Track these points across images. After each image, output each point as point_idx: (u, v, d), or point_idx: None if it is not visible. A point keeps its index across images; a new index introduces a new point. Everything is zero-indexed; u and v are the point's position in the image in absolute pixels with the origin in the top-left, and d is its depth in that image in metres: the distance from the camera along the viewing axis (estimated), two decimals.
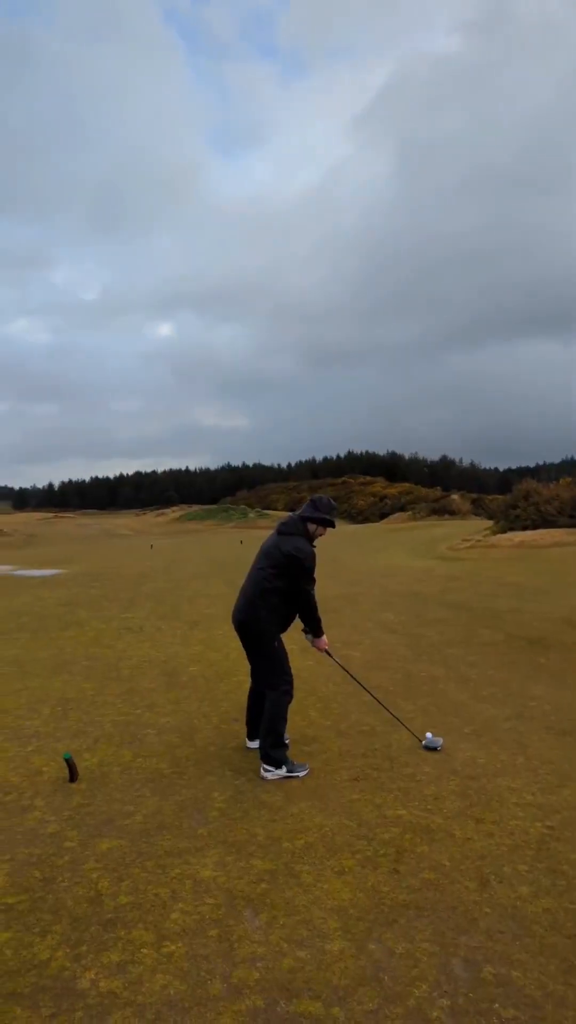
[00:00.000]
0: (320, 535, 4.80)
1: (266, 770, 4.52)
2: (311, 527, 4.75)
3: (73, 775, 4.43)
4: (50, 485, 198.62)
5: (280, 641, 4.69)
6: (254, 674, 4.92)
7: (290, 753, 4.80)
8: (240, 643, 4.87)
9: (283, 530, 4.77)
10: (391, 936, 2.87)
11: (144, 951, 2.80)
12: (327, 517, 4.75)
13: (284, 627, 4.76)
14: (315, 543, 4.78)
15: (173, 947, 2.82)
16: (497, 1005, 2.46)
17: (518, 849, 3.53)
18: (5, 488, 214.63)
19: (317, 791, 4.29)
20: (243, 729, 5.23)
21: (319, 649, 4.92)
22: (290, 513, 5.11)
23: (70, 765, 4.44)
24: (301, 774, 4.54)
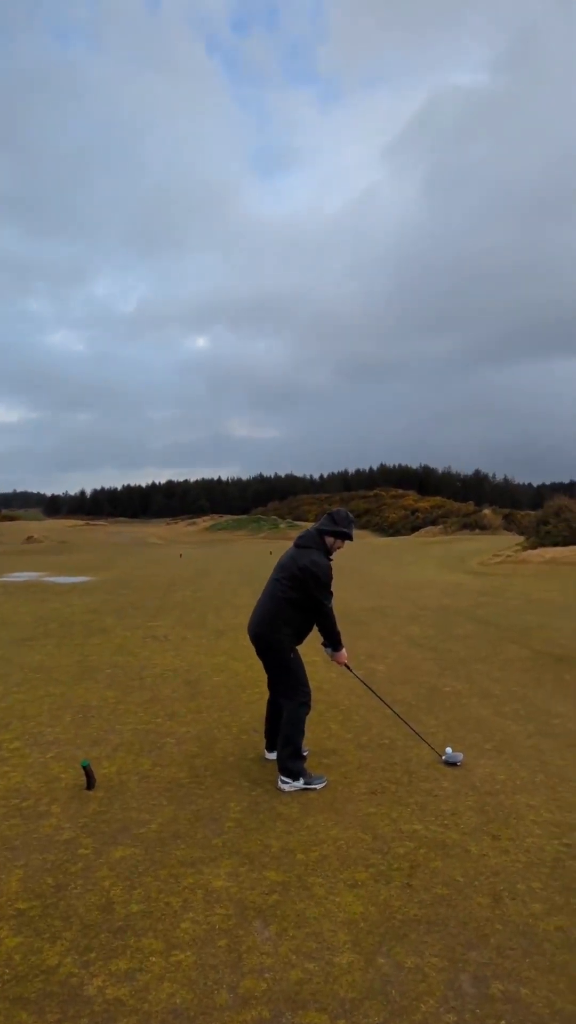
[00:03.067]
0: (338, 548, 4.80)
1: (283, 781, 4.52)
2: (329, 540, 4.75)
3: (90, 782, 4.47)
4: (82, 492, 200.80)
5: (296, 652, 4.70)
6: (271, 685, 4.92)
7: (308, 765, 4.80)
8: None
9: (300, 543, 4.78)
10: (401, 950, 2.84)
11: (152, 959, 2.81)
12: (345, 530, 4.75)
13: (300, 639, 4.76)
14: (332, 556, 4.78)
15: (182, 956, 2.83)
16: (504, 1022, 2.42)
17: (533, 867, 3.48)
18: (37, 494, 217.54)
19: (334, 804, 4.27)
20: (262, 740, 5.23)
21: (338, 663, 4.90)
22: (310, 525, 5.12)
23: (87, 772, 4.48)
24: (318, 786, 4.53)
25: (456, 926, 3.00)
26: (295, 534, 4.93)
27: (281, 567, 4.77)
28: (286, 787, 4.50)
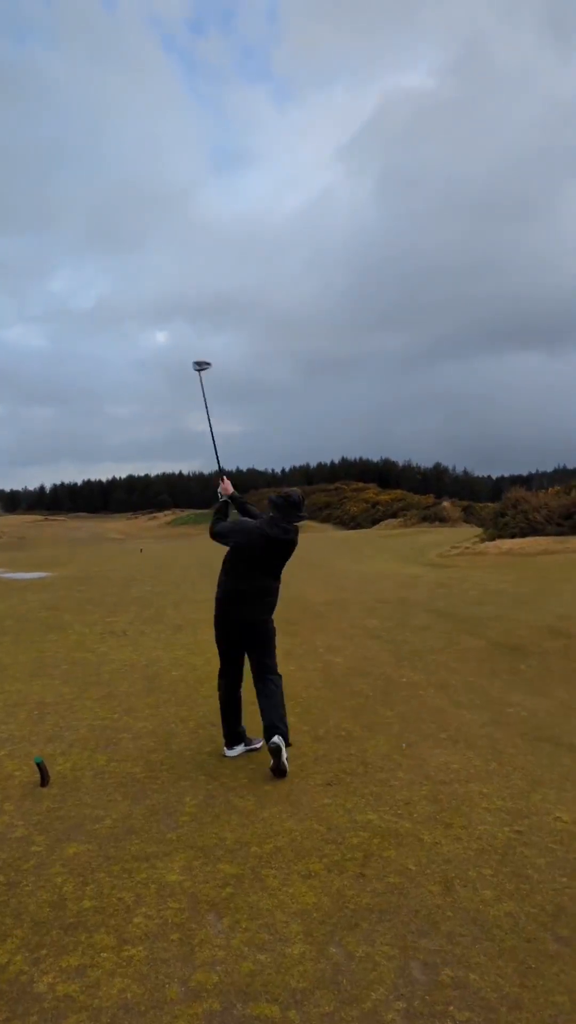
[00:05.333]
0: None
1: (287, 745, 4.64)
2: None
3: (44, 779, 4.42)
4: (42, 487, 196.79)
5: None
6: (235, 674, 4.97)
7: (265, 758, 4.83)
8: (228, 645, 4.99)
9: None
10: (352, 939, 2.87)
11: (104, 955, 2.79)
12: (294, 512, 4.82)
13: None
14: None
15: (133, 951, 2.81)
16: (452, 1008, 2.46)
17: (484, 853, 3.54)
18: None
19: (290, 796, 4.28)
20: (219, 733, 5.21)
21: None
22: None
23: (41, 769, 4.42)
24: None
25: (407, 914, 3.04)
26: None
27: None
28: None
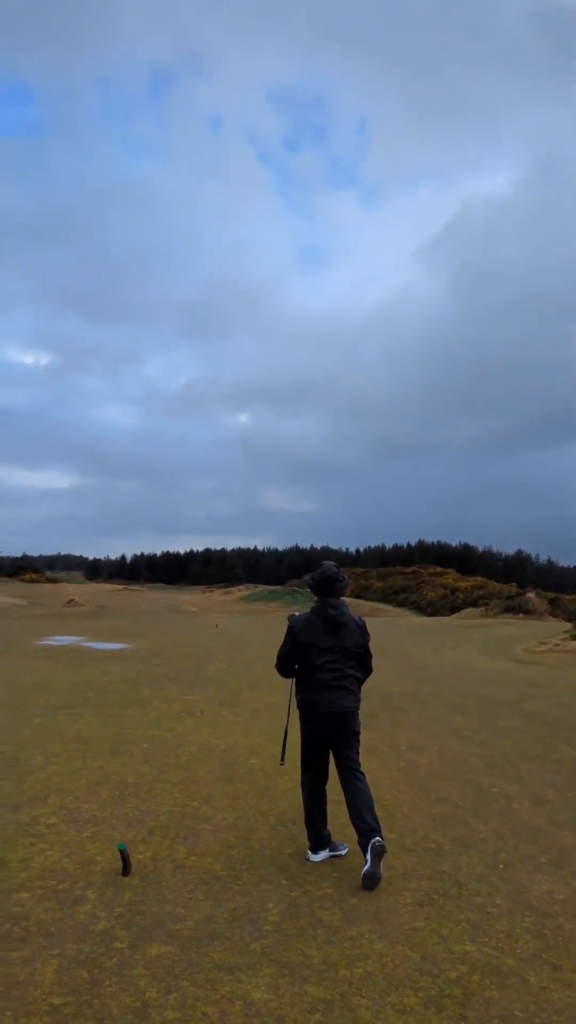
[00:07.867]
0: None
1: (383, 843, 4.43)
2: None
3: (127, 868, 4.32)
4: (123, 557, 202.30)
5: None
6: (321, 771, 4.85)
7: (350, 865, 4.60)
8: (315, 740, 4.83)
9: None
10: None
11: None
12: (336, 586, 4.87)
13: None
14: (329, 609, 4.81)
15: None
16: None
17: None
18: (79, 557, 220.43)
19: (379, 914, 4.03)
20: (302, 833, 5.01)
21: None
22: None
23: (124, 857, 4.33)
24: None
25: None
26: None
27: None
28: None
